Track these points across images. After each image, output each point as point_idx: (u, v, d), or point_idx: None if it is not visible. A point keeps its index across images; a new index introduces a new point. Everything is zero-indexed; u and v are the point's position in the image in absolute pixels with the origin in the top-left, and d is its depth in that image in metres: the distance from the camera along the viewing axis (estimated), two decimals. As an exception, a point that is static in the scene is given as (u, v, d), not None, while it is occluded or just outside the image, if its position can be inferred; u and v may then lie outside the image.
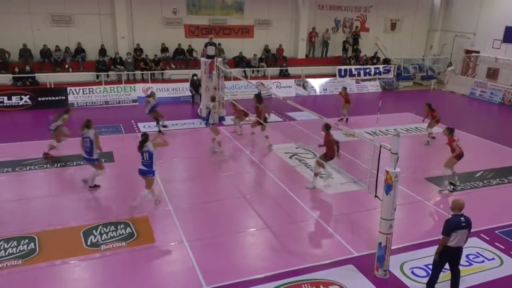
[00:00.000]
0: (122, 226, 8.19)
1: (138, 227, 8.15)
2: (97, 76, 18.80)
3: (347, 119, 15.86)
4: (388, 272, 6.89)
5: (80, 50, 19.12)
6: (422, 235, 8.14)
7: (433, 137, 13.86)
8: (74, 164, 11.26)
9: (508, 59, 21.76)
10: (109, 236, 7.84)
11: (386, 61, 24.31)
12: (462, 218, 6.14)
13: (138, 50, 19.98)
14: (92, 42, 19.39)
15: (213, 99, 13.07)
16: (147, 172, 8.68)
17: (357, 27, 24.50)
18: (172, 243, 7.73)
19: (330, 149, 9.87)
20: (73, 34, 19.15)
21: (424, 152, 13.19)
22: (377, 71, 23.46)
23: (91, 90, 17.83)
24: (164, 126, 14.40)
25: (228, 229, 8.26)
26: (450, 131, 10.21)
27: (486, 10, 23.13)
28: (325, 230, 8.37)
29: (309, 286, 6.58)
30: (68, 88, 17.49)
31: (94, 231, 7.98)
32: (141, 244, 7.67)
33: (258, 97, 13.04)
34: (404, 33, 25.85)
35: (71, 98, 17.44)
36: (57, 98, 17.29)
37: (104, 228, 8.09)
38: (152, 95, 14.23)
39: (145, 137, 8.75)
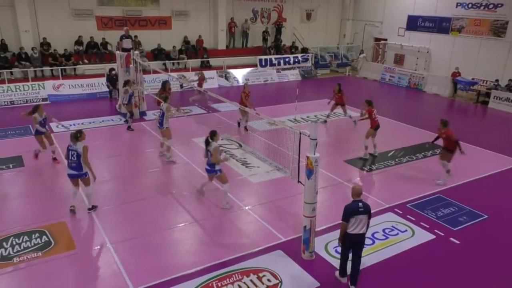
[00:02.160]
0: (37, 235, 7.59)
1: (55, 235, 7.61)
2: (-1, 74, 17.10)
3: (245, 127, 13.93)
4: (314, 253, 7.19)
5: (-25, 46, 17.22)
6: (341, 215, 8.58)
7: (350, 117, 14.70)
8: (-23, 172, 10.19)
9: (411, 46, 23.65)
10: (22, 247, 7.22)
11: (304, 50, 25.14)
12: (360, 204, 6.23)
13: (45, 44, 18.49)
14: (-10, 36, 17.57)
15: (165, 99, 11.21)
16: (211, 171, 8.60)
17: (279, 17, 24.96)
18: (95, 248, 7.35)
19: (451, 144, 9.94)
20: (-34, 28, 17.20)
21: (342, 136, 13.90)
22: (296, 60, 24.18)
23: (-8, 89, 16.17)
24: (128, 127, 13.77)
25: (155, 227, 8.03)
26: (369, 103, 11.61)
27: (390, 0, 24.84)
28: (253, 218, 8.48)
29: (239, 276, 6.65)
30: (-36, 89, 15.71)
31: (4, 244, 7.29)
32: (60, 252, 7.17)
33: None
34: (318, 23, 26.89)
35: (-32, 99, 15.68)
36: (-49, 99, 15.46)
37: (16, 239, 7.44)
38: (127, 83, 13.65)
39: (213, 133, 8.45)
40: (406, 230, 8.14)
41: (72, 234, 7.69)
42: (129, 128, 13.69)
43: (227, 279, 6.55)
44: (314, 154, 6.69)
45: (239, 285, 6.44)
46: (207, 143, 8.50)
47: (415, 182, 10.34)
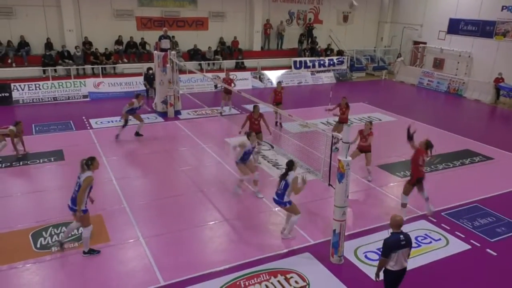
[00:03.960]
0: (74, 226, 7.91)
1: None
2: (44, 71, 17.92)
3: (280, 124, 14.14)
4: (343, 258, 7.10)
5: (23, 44, 18.12)
6: (374, 220, 8.45)
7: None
8: (21, 164, 10.74)
9: (452, 50, 22.89)
10: (60, 238, 7.54)
11: (340, 53, 24.86)
12: (402, 236, 5.45)
13: (87, 43, 19.22)
14: (37, 35, 18.44)
15: (248, 134, 9.24)
16: (279, 202, 7.60)
17: (310, 19, 24.85)
18: (128, 241, 7.56)
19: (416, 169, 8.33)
20: (16, 27, 18.10)
21: (376, 141, 13.60)
22: (331, 63, 23.96)
23: (37, 86, 16.99)
24: (138, 134, 13.06)
25: (186, 224, 8.18)
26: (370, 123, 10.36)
27: (431, 3, 24.16)
28: (282, 220, 8.43)
29: (267, 276, 6.67)
30: (12, 84, 16.58)
31: (44, 233, 7.65)
32: (95, 243, 7.40)
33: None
34: (355, 25, 26.52)
35: (16, 94, 16.55)
36: (0, 95, 16.35)
37: (55, 229, 7.79)
38: (137, 97, 12.59)
39: (291, 164, 7.49)
40: (440, 239, 7.90)
41: (107, 227, 7.95)
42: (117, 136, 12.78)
43: (255, 279, 6.59)
44: (346, 158, 6.62)
45: (266, 285, 6.46)
46: (284, 175, 7.49)
47: (451, 190, 10.00)
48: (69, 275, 6.68)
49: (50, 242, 7.42)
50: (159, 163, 11.25)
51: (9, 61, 17.74)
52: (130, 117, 12.71)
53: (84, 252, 7.13)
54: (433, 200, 9.36)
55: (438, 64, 23.92)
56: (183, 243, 7.56)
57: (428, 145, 8.35)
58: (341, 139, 6.68)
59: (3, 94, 16.38)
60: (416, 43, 25.42)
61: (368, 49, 26.45)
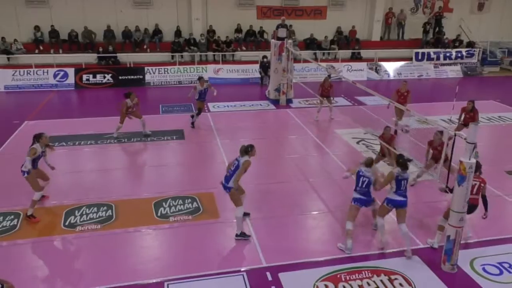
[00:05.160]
0: (189, 200, 8.61)
1: (204, 203, 8.51)
2: (172, 57, 19.62)
3: (396, 131, 11.64)
4: (456, 267, 6.55)
5: (157, 31, 20.04)
6: (497, 231, 7.59)
7: None
8: (149, 140, 11.98)
9: None
10: (177, 209, 8.28)
11: (470, 44, 22.48)
12: None
13: (211, 31, 20.47)
14: (169, 23, 20.23)
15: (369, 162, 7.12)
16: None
17: (440, 7, 22.84)
18: (235, 220, 7.97)
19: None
20: (152, 16, 20.10)
21: (507, 144, 12.14)
22: (459, 55, 21.84)
23: (166, 70, 18.72)
24: (193, 118, 12.91)
25: (290, 211, 8.32)
26: None
27: None
28: (389, 218, 8.02)
29: (369, 273, 6.48)
30: (146, 68, 18.52)
31: (164, 203, 8.47)
32: (206, 218, 8.00)
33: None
34: (493, 14, 23.66)
35: (147, 77, 18.46)
36: (135, 77, 18.43)
37: (173, 201, 8.56)
38: (200, 79, 12.93)
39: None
40: None
41: (218, 204, 8.48)
42: (192, 124, 12.96)
43: (356, 274, 6.45)
44: (470, 160, 6.03)
45: (367, 283, 6.29)
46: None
47: None
48: (184, 243, 7.32)
49: (168, 212, 8.19)
50: (268, 148, 11.57)
51: (145, 46, 19.83)
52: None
53: (237, 235, 7.28)
54: None
55: None
56: (286, 229, 7.72)
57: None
58: (465, 138, 6.10)
59: (138, 77, 18.43)
60: None
61: (506, 40, 23.43)
